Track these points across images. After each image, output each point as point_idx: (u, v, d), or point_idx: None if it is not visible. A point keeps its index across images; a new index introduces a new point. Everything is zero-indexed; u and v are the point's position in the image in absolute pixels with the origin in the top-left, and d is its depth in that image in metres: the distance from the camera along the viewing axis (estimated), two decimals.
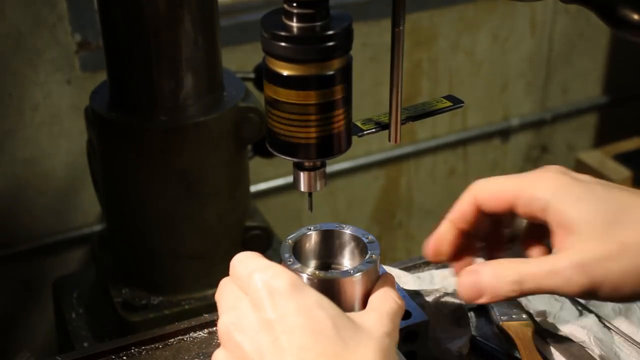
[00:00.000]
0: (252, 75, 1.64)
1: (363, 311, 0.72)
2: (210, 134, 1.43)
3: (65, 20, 1.95)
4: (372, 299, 0.74)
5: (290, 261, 0.76)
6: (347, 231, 0.81)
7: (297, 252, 0.79)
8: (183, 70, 1.39)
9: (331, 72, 0.72)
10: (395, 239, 2.70)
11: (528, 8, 2.54)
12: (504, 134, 2.73)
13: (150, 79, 1.39)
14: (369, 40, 2.25)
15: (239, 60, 1.83)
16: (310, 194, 0.81)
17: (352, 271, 0.76)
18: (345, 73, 0.74)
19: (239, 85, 1.50)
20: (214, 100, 1.43)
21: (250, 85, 1.57)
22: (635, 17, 0.72)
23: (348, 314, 0.68)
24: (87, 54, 1.99)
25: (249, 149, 1.56)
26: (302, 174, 0.78)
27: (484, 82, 2.60)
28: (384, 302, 0.72)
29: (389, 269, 1.03)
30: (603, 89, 2.87)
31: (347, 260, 0.82)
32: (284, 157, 0.76)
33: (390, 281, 0.77)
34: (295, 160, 0.77)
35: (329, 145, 0.76)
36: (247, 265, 0.69)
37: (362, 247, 0.80)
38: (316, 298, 0.66)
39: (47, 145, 2.04)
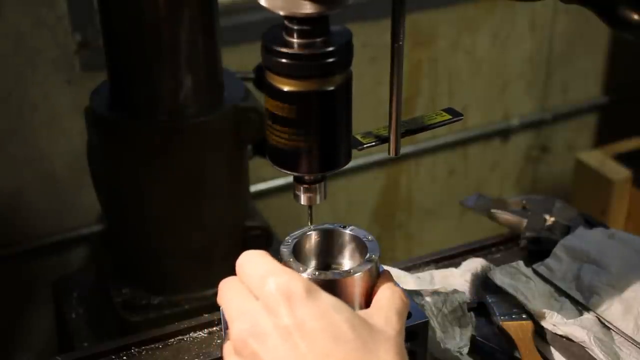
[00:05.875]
0: (252, 75, 1.63)
1: (372, 310, 0.71)
2: (210, 134, 1.43)
3: (65, 20, 1.95)
4: (378, 297, 0.73)
5: (290, 261, 0.76)
6: (347, 231, 0.81)
7: (297, 252, 0.79)
8: (183, 70, 1.39)
9: (331, 88, 0.73)
10: (395, 239, 2.70)
11: (528, 8, 2.54)
12: (504, 134, 2.73)
13: (150, 79, 1.39)
14: (369, 40, 2.25)
15: (239, 60, 1.83)
16: (310, 207, 0.81)
17: (352, 271, 0.76)
18: (346, 88, 0.74)
19: (239, 85, 1.50)
20: (214, 100, 1.43)
21: (250, 85, 1.57)
22: (635, 17, 0.72)
23: (359, 312, 0.68)
24: (87, 54, 1.99)
25: (249, 149, 1.56)
26: (302, 187, 0.79)
27: (484, 82, 2.60)
28: (390, 300, 0.72)
29: (389, 269, 1.03)
30: (603, 89, 2.86)
31: (347, 260, 0.82)
32: (284, 171, 0.76)
33: (391, 279, 0.77)
34: (295, 174, 0.77)
35: (329, 160, 0.76)
36: (258, 266, 0.68)
37: (362, 247, 0.80)
38: (332, 302, 0.65)
39: (47, 145, 2.04)
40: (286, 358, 0.62)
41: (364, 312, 0.69)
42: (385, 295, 0.73)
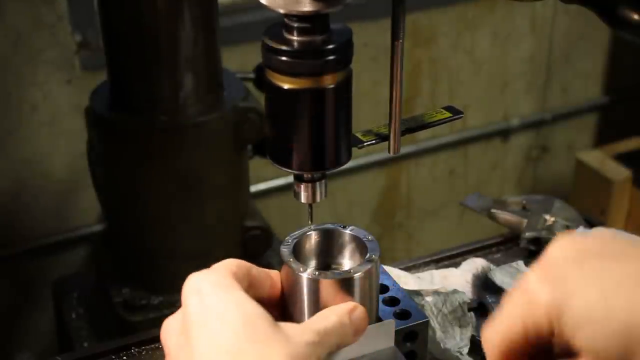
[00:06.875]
0: (252, 75, 1.64)
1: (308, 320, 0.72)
2: (210, 134, 1.43)
3: (65, 20, 1.95)
4: (320, 312, 0.73)
5: (290, 261, 0.76)
6: (347, 231, 0.81)
7: (297, 252, 0.79)
8: (183, 70, 1.39)
9: (329, 86, 0.73)
10: (395, 239, 2.70)
11: (528, 8, 2.54)
12: (504, 134, 2.73)
13: (150, 78, 1.39)
14: (369, 40, 2.25)
15: (239, 60, 1.83)
16: (310, 206, 0.81)
17: (352, 271, 0.76)
18: (345, 86, 0.74)
19: (239, 85, 1.50)
20: (214, 100, 1.43)
21: (250, 85, 1.57)
22: (635, 17, 0.72)
23: (282, 323, 0.67)
24: (87, 54, 1.99)
25: (249, 149, 1.56)
26: (302, 185, 0.79)
27: (484, 82, 2.60)
28: (319, 318, 0.71)
29: (389, 269, 1.03)
30: (603, 89, 2.87)
31: (347, 260, 0.82)
32: (285, 169, 0.76)
33: (347, 309, 0.73)
34: (295, 172, 0.77)
35: (328, 158, 0.76)
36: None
37: (362, 247, 0.80)
38: (236, 298, 0.67)
39: (47, 145, 2.04)
40: (182, 348, 0.66)
41: (286, 323, 0.68)
42: (318, 314, 0.72)
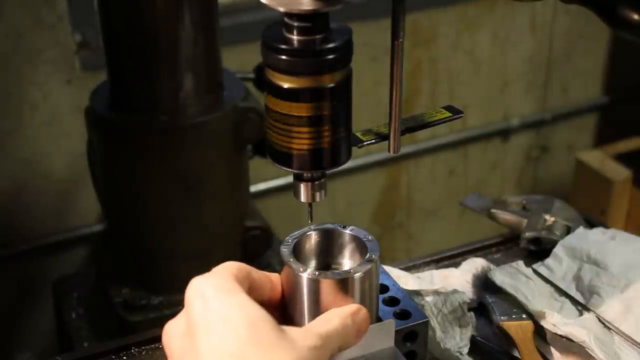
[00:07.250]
0: (252, 75, 1.63)
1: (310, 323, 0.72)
2: (210, 134, 1.43)
3: (65, 20, 1.95)
4: (321, 315, 0.73)
5: (290, 261, 0.76)
6: (347, 231, 0.81)
7: (297, 252, 0.79)
8: (183, 70, 1.39)
9: (329, 85, 0.73)
10: (395, 239, 2.70)
11: (528, 8, 2.54)
12: (504, 134, 2.73)
13: (150, 78, 1.39)
14: (369, 40, 2.25)
15: (239, 60, 1.83)
16: (310, 205, 0.81)
17: (352, 271, 0.76)
18: (344, 86, 0.74)
19: (239, 85, 1.51)
20: (214, 100, 1.43)
21: (250, 85, 1.57)
22: (635, 17, 0.72)
23: (285, 327, 0.67)
24: (87, 54, 1.99)
25: (249, 149, 1.56)
26: (301, 184, 0.79)
27: (484, 82, 2.60)
28: (322, 321, 0.71)
29: (389, 269, 1.03)
30: (603, 89, 2.87)
31: (347, 260, 0.82)
32: (285, 168, 0.76)
33: (350, 312, 0.73)
34: (293, 171, 0.77)
35: (328, 157, 0.76)
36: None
37: (362, 247, 0.80)
38: (240, 301, 0.67)
39: (47, 145, 2.04)
40: (187, 351, 0.66)
41: (289, 327, 0.68)
42: (320, 317, 0.72)
